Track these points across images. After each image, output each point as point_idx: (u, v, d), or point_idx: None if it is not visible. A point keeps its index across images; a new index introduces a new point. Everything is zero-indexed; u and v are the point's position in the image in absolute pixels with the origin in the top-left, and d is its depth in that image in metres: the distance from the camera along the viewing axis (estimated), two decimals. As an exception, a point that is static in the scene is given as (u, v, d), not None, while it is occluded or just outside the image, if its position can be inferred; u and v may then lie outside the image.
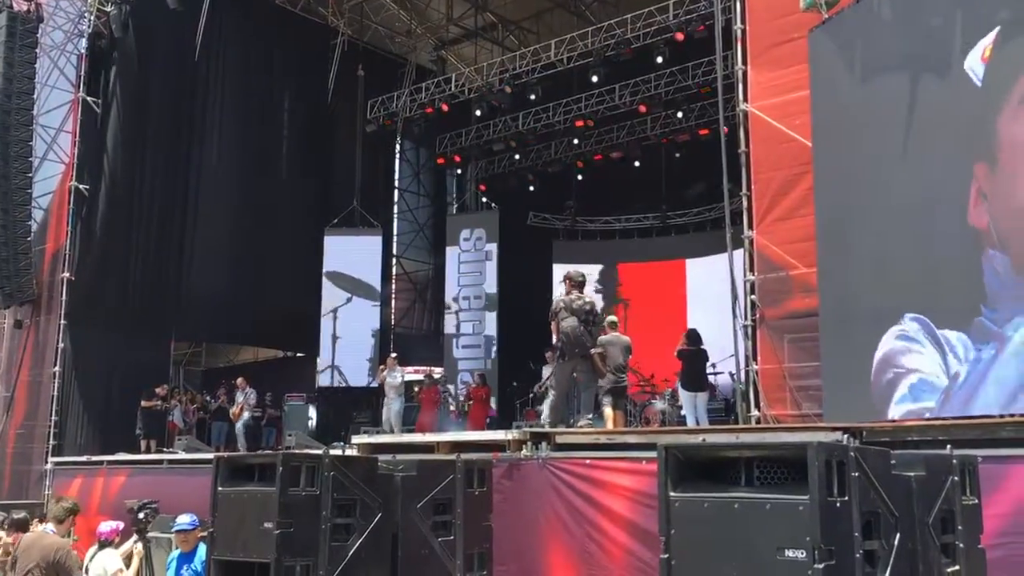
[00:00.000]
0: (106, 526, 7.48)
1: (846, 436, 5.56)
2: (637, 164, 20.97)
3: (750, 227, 9.98)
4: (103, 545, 7.30)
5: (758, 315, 9.75)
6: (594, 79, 18.18)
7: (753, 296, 9.87)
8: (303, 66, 20.74)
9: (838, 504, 3.01)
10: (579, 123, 19.89)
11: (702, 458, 3.39)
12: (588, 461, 7.01)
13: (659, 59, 17.26)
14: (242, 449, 15.54)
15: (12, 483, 15.98)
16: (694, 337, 12.55)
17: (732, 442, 4.26)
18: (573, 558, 6.89)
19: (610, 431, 9.36)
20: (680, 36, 16.43)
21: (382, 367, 16.21)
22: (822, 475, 2.96)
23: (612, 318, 11.47)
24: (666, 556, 3.29)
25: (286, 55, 20.22)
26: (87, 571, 7.26)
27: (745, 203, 10.11)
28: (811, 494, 2.95)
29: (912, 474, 3.54)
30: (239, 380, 16.97)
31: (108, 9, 16.56)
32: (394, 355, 16.48)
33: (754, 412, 9.56)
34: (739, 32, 10.42)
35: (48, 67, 17.06)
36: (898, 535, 3.29)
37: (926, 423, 6.34)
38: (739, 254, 10.46)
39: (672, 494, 3.32)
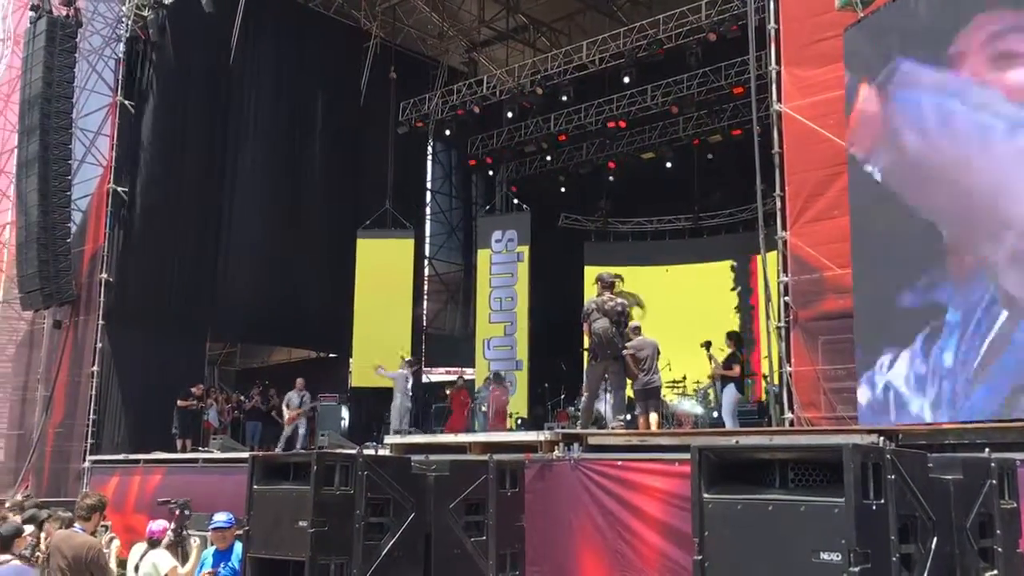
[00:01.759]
0: (157, 525, 7.54)
1: (882, 439, 5.51)
2: (669, 165, 20.89)
3: (783, 228, 9.92)
4: (153, 544, 7.36)
5: (791, 316, 9.68)
6: (626, 80, 18.14)
7: (786, 297, 9.80)
8: (336, 68, 20.88)
9: (874, 507, 2.99)
10: (611, 124, 19.83)
11: (736, 460, 3.38)
12: (620, 462, 7.00)
13: (691, 59, 17.17)
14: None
15: (51, 481, 16.22)
16: (739, 339, 12.54)
17: (766, 444, 4.24)
18: (605, 559, 6.89)
19: (642, 432, 9.33)
20: (713, 36, 16.34)
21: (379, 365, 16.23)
22: (857, 477, 2.95)
23: (635, 323, 11.46)
24: (699, 558, 3.29)
25: (319, 58, 20.36)
26: (136, 570, 7.34)
27: (778, 204, 10.04)
28: (846, 497, 2.93)
29: (949, 477, 3.51)
30: (298, 381, 16.78)
31: (145, 14, 16.77)
32: (409, 359, 16.69)
33: (788, 414, 9.49)
34: (773, 32, 10.36)
35: (87, 71, 17.32)
36: (935, 539, 3.26)
37: (963, 426, 6.26)
38: (772, 255, 10.39)
39: (706, 496, 3.31)
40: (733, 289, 20.74)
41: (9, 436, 18.64)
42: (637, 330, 11.13)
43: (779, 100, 10.04)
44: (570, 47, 19.19)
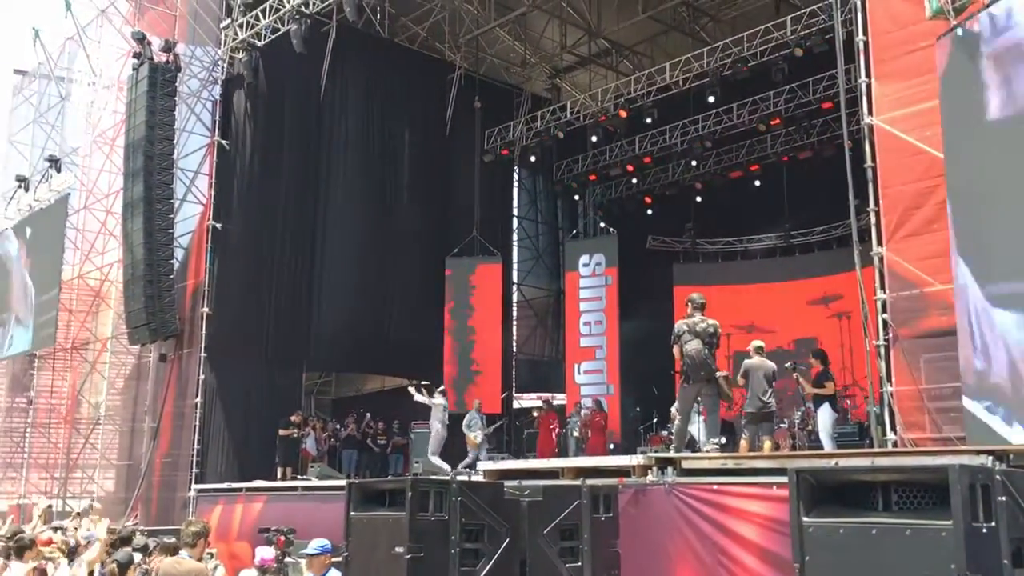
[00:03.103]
0: (268, 553, 7.72)
1: (991, 459, 5.28)
2: (757, 183, 20.58)
3: (879, 244, 9.65)
4: (264, 572, 7.53)
5: (891, 335, 9.38)
6: (711, 99, 18.00)
7: (885, 315, 9.52)
8: (421, 100, 21.27)
9: (984, 530, 2.89)
10: (697, 144, 19.68)
11: (836, 483, 3.30)
12: (716, 486, 6.88)
13: (777, 76, 16.93)
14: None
15: (159, 509, 16.74)
16: (824, 356, 12.18)
17: (868, 466, 4.12)
18: (703, 586, 6.76)
19: (738, 456, 9.16)
20: (799, 52, 16.09)
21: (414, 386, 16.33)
22: (966, 499, 2.85)
23: (758, 343, 11.24)
24: (801, 583, 3.22)
25: (405, 91, 20.76)
26: None
27: (873, 219, 9.78)
28: (954, 519, 2.83)
29: (1065, 499, 3.35)
30: (475, 403, 17.00)
31: (240, 56, 17.38)
32: (442, 388, 16.81)
33: (890, 436, 9.19)
34: (862, 44, 10.15)
35: (185, 114, 17.99)
36: (1052, 563, 3.11)
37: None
38: (868, 272, 10.11)
39: (805, 520, 3.24)
40: (827, 307, 20.22)
41: (120, 467, 19.35)
42: (759, 350, 10.95)
43: (870, 113, 9.81)
44: (653, 69, 19.15)
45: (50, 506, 18.84)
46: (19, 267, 22.45)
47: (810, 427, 14.24)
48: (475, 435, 16.07)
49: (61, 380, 22.36)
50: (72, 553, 8.95)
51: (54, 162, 22.13)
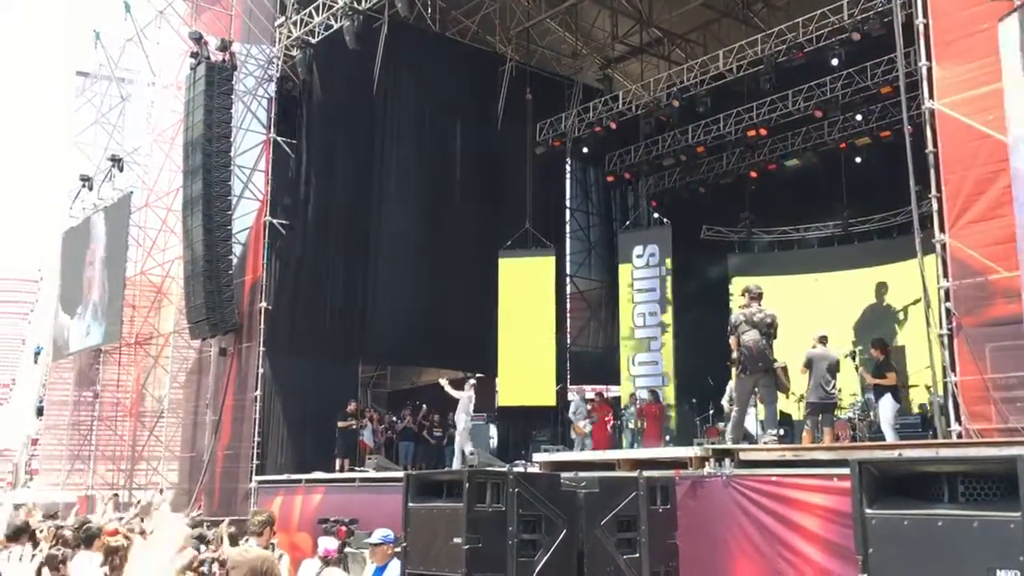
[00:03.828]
0: (331, 544, 7.84)
1: (1061, 450, 5.15)
2: (814, 171, 20.24)
3: (942, 231, 9.44)
4: (328, 563, 7.65)
5: (954, 323, 9.18)
6: (766, 87, 17.75)
7: (948, 303, 9.31)
8: (473, 93, 21.33)
9: (1055, 522, 2.82)
10: (751, 132, 19.43)
11: (899, 474, 3.25)
12: (775, 478, 6.81)
13: (834, 61, 16.63)
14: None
15: (221, 500, 17.07)
16: (885, 345, 11.96)
17: (932, 457, 4.05)
18: (763, 578, 6.70)
19: (796, 447, 9.05)
20: (857, 36, 15.78)
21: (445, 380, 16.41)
22: (1035, 491, 2.78)
23: (822, 332, 11.09)
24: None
25: (457, 84, 20.83)
26: None
27: (935, 205, 9.56)
28: (1024, 511, 2.77)
29: None
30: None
31: (294, 54, 17.59)
32: (472, 381, 16.80)
33: (954, 426, 9.00)
34: (921, 27, 9.91)
35: (242, 111, 18.26)
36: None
37: None
38: (930, 260, 9.90)
39: (868, 511, 3.20)
40: (887, 296, 19.85)
41: (183, 459, 19.77)
42: (823, 340, 10.82)
43: (931, 97, 9.59)
44: (706, 57, 18.95)
45: (116, 495, 19.39)
46: (100, 260, 22.91)
47: (872, 418, 14.00)
48: (583, 424, 16.17)
49: (126, 374, 22.94)
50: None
51: (116, 161, 22.69)
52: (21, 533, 8.51)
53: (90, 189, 23.84)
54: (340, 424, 16.47)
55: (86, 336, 23.08)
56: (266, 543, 7.20)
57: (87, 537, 7.85)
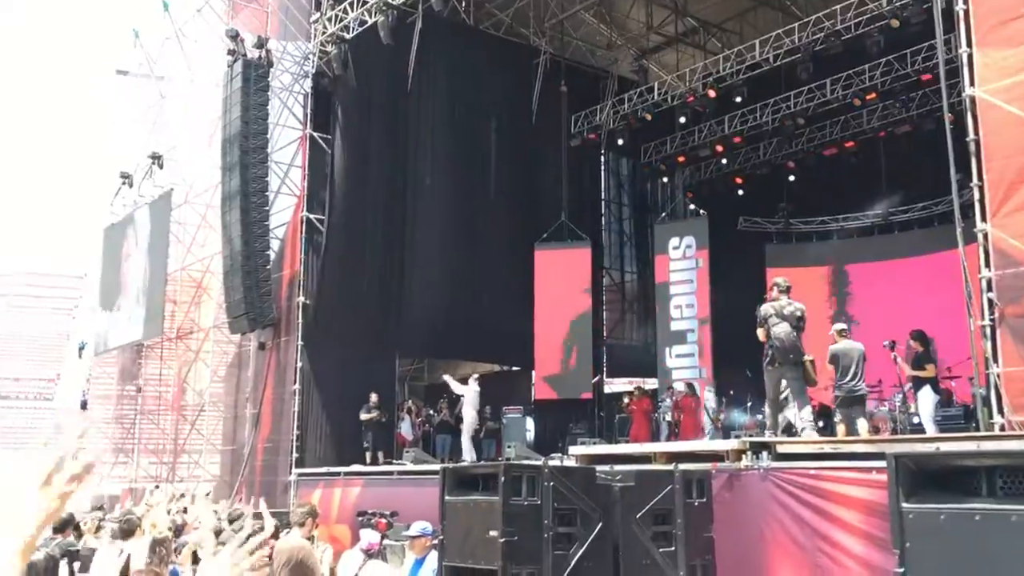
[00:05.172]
0: (374, 537, 7.94)
1: (1106, 443, 5.06)
2: (853, 160, 19.98)
3: (983, 220, 9.28)
4: (370, 556, 7.75)
5: (997, 314, 9.03)
6: (803, 75, 17.55)
7: (990, 294, 9.16)
8: (507, 86, 21.31)
9: (1096, 517, 2.78)
10: (788, 122, 19.22)
11: (936, 467, 3.22)
12: (813, 471, 6.77)
13: (873, 48, 16.39)
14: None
15: (262, 493, 17.21)
16: (924, 337, 11.78)
17: (971, 450, 4.00)
18: (803, 572, 6.66)
19: (835, 440, 8.98)
20: (896, 23, 15.53)
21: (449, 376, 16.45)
22: (1076, 485, 2.74)
23: (841, 325, 10.99)
24: (901, 570, 3.15)
25: (491, 77, 20.83)
26: None
27: (977, 194, 9.41)
28: (1064, 506, 2.74)
29: None
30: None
31: (329, 50, 17.70)
32: (476, 376, 16.85)
33: (996, 419, 8.86)
34: (961, 12, 9.74)
35: (278, 107, 18.43)
36: None
37: None
38: (972, 250, 9.74)
39: (905, 505, 3.17)
40: (927, 286, 19.54)
41: (224, 452, 20.05)
42: (842, 333, 10.72)
43: (972, 84, 9.43)
44: (742, 46, 18.76)
45: (157, 486, 19.72)
46: (144, 252, 23.21)
47: (912, 410, 13.81)
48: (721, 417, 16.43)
49: (167, 369, 23.30)
50: (178, 532, 9.33)
51: (156, 158, 23.00)
52: (67, 525, 8.68)
53: (130, 186, 24.20)
54: (363, 416, 16.45)
55: (127, 326, 23.39)
56: (308, 534, 7.33)
57: (128, 529, 8.00)
